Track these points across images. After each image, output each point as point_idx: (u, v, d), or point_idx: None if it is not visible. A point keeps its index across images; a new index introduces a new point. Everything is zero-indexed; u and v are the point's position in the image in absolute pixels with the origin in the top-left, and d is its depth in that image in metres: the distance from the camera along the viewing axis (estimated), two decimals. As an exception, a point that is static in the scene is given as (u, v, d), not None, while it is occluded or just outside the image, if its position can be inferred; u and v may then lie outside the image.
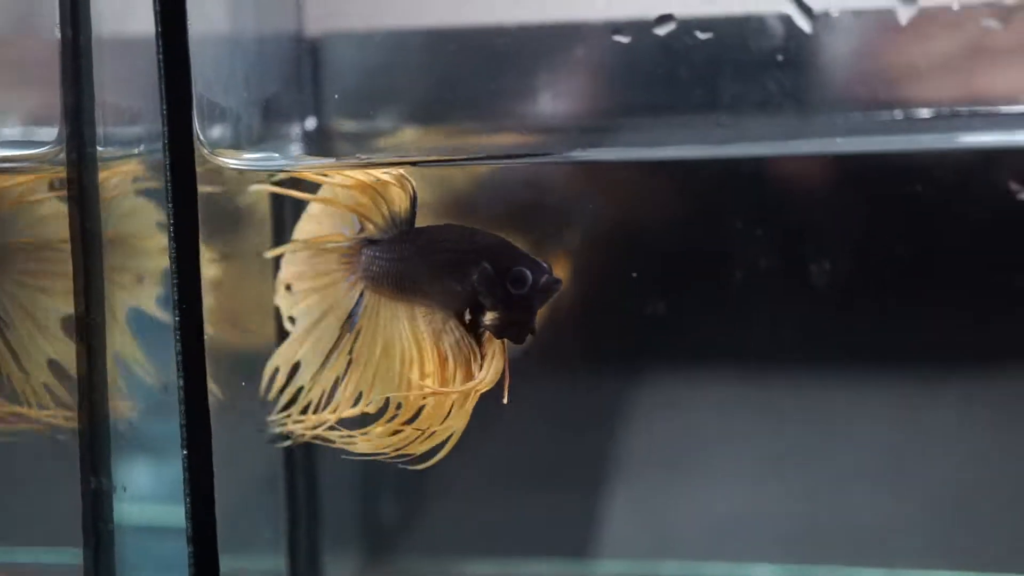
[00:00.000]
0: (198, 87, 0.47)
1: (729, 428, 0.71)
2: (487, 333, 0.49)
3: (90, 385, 0.51)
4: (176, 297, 0.48)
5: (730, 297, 0.69)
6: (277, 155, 0.55)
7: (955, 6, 0.55)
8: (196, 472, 0.49)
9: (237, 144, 0.52)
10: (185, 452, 0.49)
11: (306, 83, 0.58)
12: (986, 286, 0.66)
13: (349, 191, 0.50)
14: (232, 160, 0.50)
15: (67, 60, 0.47)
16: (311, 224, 0.52)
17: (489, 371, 0.49)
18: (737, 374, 0.71)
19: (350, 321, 0.51)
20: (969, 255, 0.66)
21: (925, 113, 0.57)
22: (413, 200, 0.50)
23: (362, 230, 0.50)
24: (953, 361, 0.68)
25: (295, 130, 0.57)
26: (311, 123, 0.58)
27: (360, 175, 0.49)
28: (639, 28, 0.56)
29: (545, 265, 0.48)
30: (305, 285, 0.52)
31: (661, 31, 0.55)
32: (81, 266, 0.48)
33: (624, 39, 0.55)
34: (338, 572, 0.65)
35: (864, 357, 0.69)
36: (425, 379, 0.49)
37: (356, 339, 0.51)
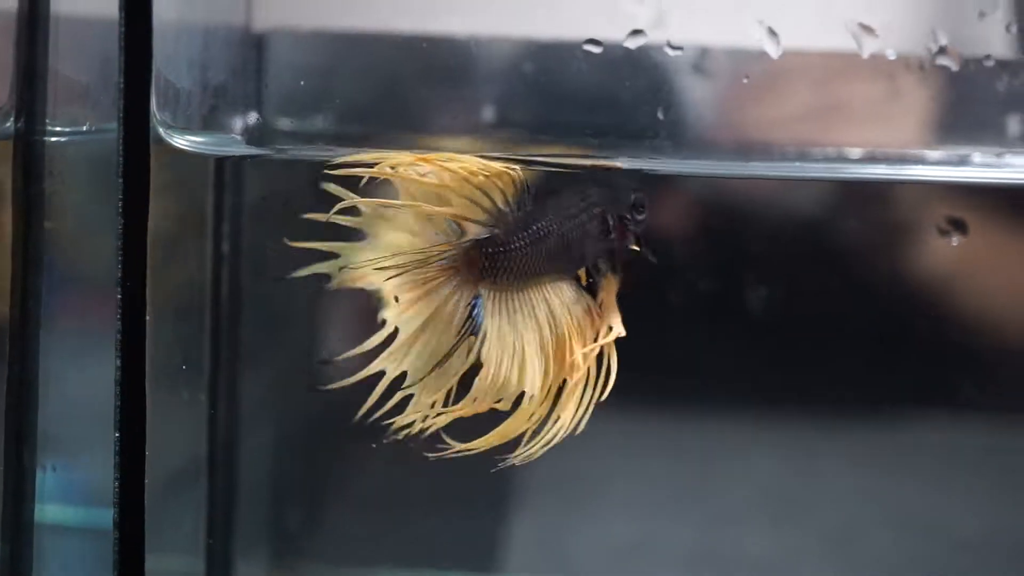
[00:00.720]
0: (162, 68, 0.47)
1: (630, 458, 0.72)
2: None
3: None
4: (120, 276, 0.47)
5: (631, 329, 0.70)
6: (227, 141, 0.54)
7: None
8: (127, 470, 0.48)
9: (185, 127, 0.52)
10: (118, 436, 0.47)
11: (250, 77, 0.57)
12: (885, 331, 0.68)
13: (442, 190, 0.47)
14: (182, 141, 0.49)
15: (22, 29, 0.46)
16: (392, 229, 0.49)
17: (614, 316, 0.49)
18: (639, 406, 0.72)
19: (471, 324, 0.48)
20: (872, 299, 0.68)
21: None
22: (524, 184, 0.48)
23: (463, 232, 0.48)
24: (848, 403, 0.70)
25: (238, 122, 0.56)
26: (252, 117, 0.57)
27: (464, 168, 0.47)
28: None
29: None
30: (410, 294, 0.49)
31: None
32: (22, 234, 0.47)
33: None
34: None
35: (762, 394, 0.71)
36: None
37: (483, 342, 0.48)
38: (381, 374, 0.49)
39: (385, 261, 0.47)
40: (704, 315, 0.69)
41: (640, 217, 0.50)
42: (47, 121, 0.48)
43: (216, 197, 0.55)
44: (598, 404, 0.69)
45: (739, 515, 0.72)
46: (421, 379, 0.48)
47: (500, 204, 0.48)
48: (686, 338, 0.70)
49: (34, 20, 0.46)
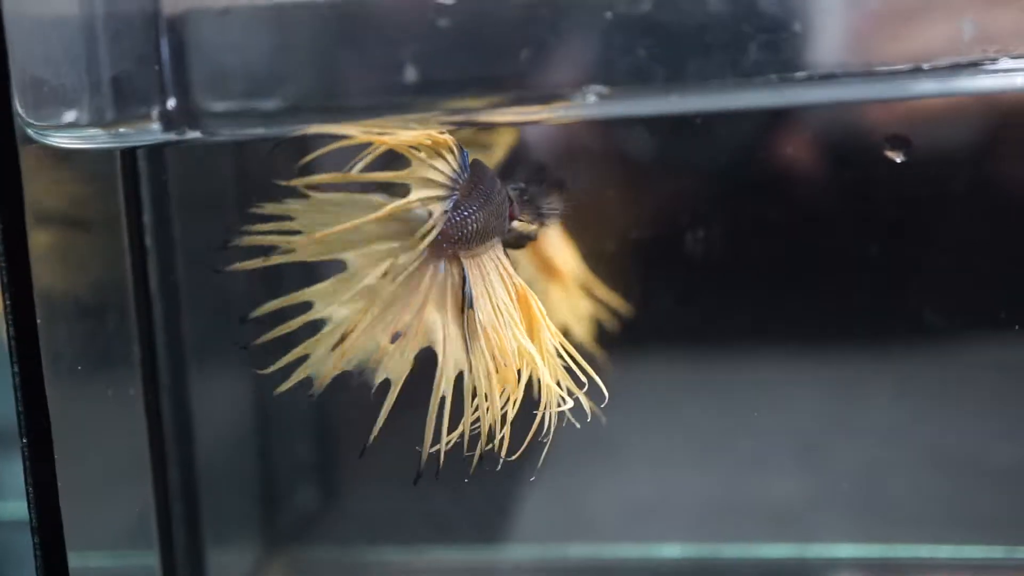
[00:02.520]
0: (30, 67, 0.46)
1: (643, 413, 0.69)
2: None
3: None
4: (6, 280, 0.46)
5: (652, 279, 0.68)
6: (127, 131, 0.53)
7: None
8: (37, 462, 0.48)
9: (88, 123, 0.51)
10: (24, 441, 0.48)
11: (165, 63, 0.56)
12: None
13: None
14: (62, 138, 0.48)
15: None
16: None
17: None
18: (650, 358, 0.70)
19: (464, 293, 0.47)
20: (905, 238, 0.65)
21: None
22: (460, 146, 0.48)
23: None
24: (871, 341, 0.67)
25: (154, 110, 0.56)
26: (171, 103, 0.56)
27: (402, 141, 0.46)
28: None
29: None
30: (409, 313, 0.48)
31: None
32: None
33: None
34: (222, 565, 0.64)
35: (781, 340, 0.68)
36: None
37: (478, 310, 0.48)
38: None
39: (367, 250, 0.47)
40: (728, 259, 0.66)
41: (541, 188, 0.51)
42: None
43: (128, 189, 0.54)
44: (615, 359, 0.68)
45: (765, 462, 0.70)
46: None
47: (452, 170, 0.47)
48: (710, 283, 0.67)
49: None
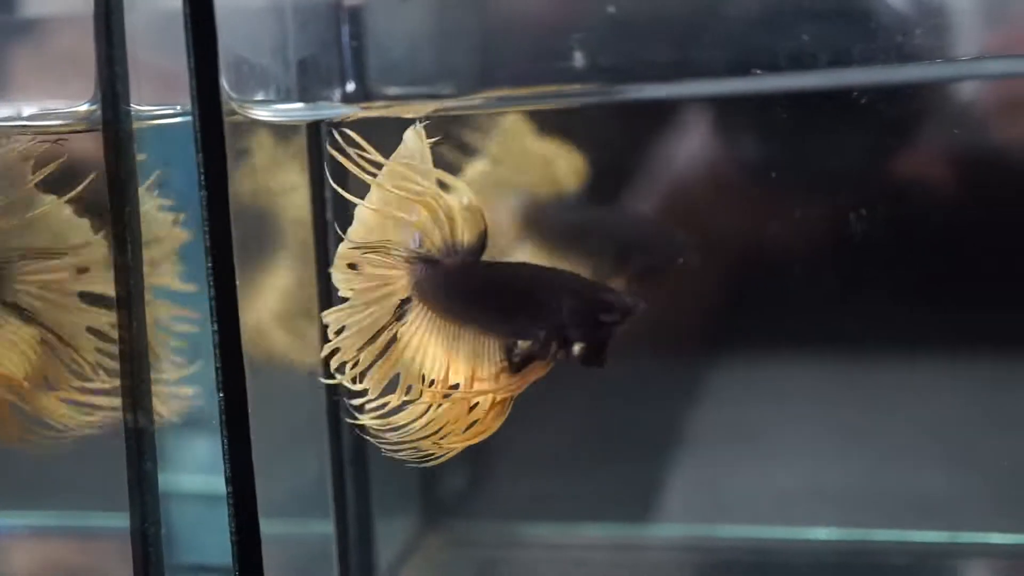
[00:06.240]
0: (234, 46, 0.49)
1: (792, 404, 0.70)
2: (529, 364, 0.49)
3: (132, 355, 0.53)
4: (208, 245, 0.49)
5: (794, 280, 0.69)
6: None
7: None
8: (234, 432, 0.50)
9: (279, 100, 0.54)
10: (222, 411, 0.50)
11: (346, 48, 0.59)
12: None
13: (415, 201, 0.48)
14: (263, 112, 0.51)
15: (100, 22, 0.49)
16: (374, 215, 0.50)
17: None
18: (799, 354, 0.70)
19: (395, 318, 0.50)
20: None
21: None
22: (483, 234, 0.49)
23: (421, 244, 0.49)
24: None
25: (335, 92, 0.58)
26: (351, 86, 0.59)
27: (430, 194, 0.48)
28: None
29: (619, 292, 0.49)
30: (365, 271, 0.51)
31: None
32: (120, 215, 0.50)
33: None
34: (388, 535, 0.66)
35: (927, 338, 0.68)
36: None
37: (394, 338, 0.50)
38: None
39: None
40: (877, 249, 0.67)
41: (608, 319, 0.48)
42: (134, 108, 0.50)
43: (314, 164, 0.57)
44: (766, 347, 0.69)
45: (907, 456, 0.70)
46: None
47: (455, 239, 0.49)
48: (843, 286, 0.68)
49: (109, 15, 0.49)
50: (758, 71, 0.57)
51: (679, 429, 0.71)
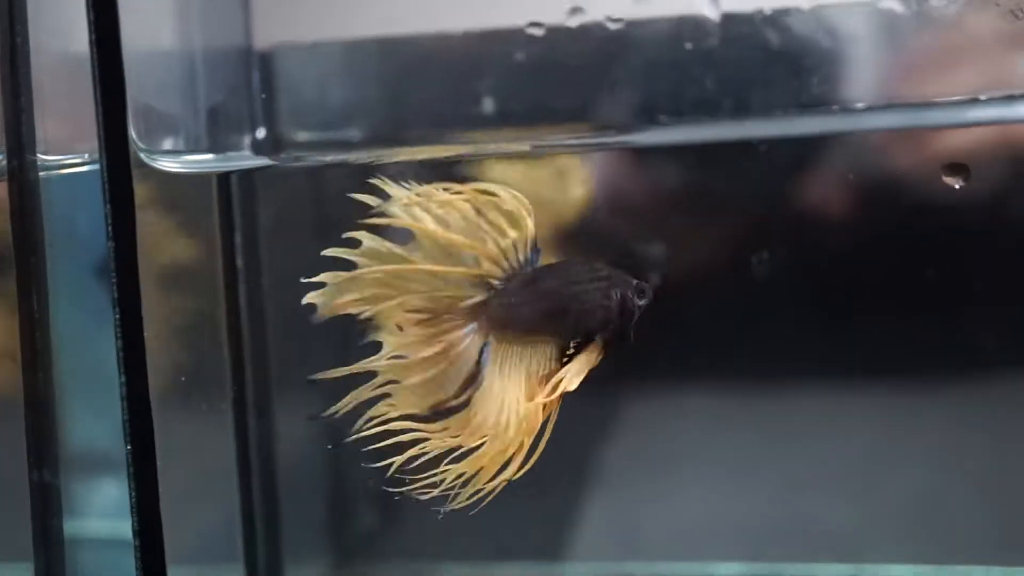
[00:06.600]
0: (137, 94, 0.49)
1: (701, 436, 0.71)
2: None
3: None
4: (116, 296, 0.49)
5: (704, 307, 0.70)
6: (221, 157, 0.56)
7: None
8: (140, 476, 0.50)
9: (184, 149, 0.54)
10: (129, 450, 0.50)
11: (255, 94, 0.59)
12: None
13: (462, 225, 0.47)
14: (170, 163, 0.51)
15: (5, 70, 0.48)
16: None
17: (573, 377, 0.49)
18: (709, 384, 0.71)
19: (478, 368, 0.49)
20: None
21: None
22: (533, 235, 0.49)
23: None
24: (927, 370, 0.69)
25: (245, 139, 0.58)
26: (261, 132, 0.59)
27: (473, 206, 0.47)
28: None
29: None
30: (418, 329, 0.49)
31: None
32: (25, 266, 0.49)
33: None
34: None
35: (830, 371, 0.69)
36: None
37: (479, 388, 0.49)
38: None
39: (408, 302, 0.48)
40: (785, 283, 0.68)
41: (641, 302, 0.51)
42: (40, 156, 0.50)
43: (223, 213, 0.57)
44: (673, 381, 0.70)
45: (814, 489, 0.71)
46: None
47: (512, 255, 0.49)
48: (759, 312, 0.69)
49: (14, 64, 0.48)
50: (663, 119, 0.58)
51: (589, 465, 0.72)
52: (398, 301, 0.48)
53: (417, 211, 0.47)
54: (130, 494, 0.49)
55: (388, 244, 0.48)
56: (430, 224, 0.47)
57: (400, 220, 0.47)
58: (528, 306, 0.49)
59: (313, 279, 0.47)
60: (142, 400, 0.49)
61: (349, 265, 0.48)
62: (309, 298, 0.48)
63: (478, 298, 0.48)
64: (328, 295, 0.48)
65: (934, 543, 0.68)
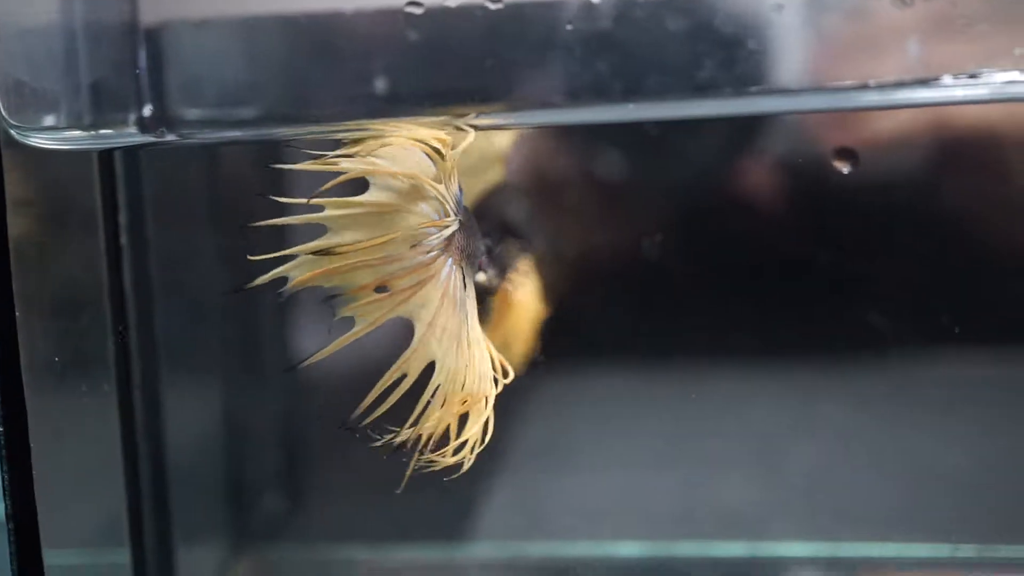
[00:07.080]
0: (9, 69, 0.48)
1: (602, 417, 0.71)
2: None
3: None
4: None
5: (613, 288, 0.70)
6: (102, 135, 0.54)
7: None
8: (14, 458, 0.49)
9: (67, 126, 0.53)
10: (2, 433, 0.49)
11: (142, 71, 0.58)
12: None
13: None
14: (44, 140, 0.50)
15: None
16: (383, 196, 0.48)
17: None
18: (611, 366, 0.72)
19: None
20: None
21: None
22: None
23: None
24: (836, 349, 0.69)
25: (131, 116, 0.57)
26: (147, 110, 0.58)
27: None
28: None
29: None
30: (407, 281, 0.48)
31: None
32: None
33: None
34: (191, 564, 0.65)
35: (735, 351, 0.70)
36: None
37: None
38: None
39: (376, 239, 0.46)
40: (687, 265, 0.68)
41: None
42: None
43: (106, 190, 0.56)
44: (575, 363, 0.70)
45: (721, 469, 0.71)
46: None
47: (455, 191, 0.49)
48: (669, 290, 0.69)
49: None
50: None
51: (492, 446, 0.72)
52: (384, 250, 0.46)
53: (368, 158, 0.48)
54: (2, 477, 0.49)
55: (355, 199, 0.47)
56: (386, 166, 0.47)
57: (356, 170, 0.47)
58: (470, 239, 0.49)
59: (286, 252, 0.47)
60: (15, 381, 0.48)
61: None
62: (283, 270, 0.47)
63: (452, 228, 0.48)
64: (300, 267, 0.47)
65: (830, 520, 0.69)
